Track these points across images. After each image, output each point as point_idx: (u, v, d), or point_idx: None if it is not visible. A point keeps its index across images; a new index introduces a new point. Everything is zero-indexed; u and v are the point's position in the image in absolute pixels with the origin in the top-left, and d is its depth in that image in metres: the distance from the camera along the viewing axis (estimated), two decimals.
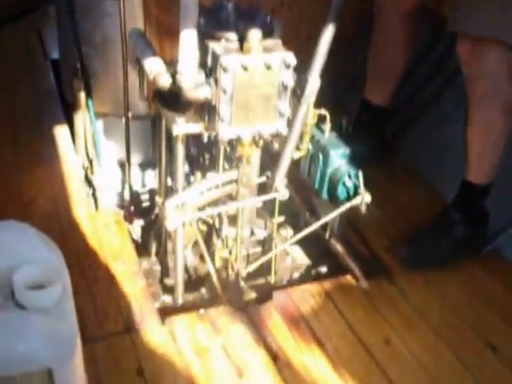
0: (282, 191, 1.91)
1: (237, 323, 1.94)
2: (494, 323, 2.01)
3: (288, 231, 2.23)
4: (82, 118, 2.42)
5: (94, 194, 2.39)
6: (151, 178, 2.53)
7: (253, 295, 2.05)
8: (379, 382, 1.80)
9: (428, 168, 2.59)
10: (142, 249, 2.26)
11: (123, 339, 1.86)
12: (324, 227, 2.30)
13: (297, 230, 2.14)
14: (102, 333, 1.88)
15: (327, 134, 2.10)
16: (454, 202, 2.21)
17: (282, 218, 2.20)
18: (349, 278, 2.16)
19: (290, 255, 2.30)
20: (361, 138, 2.53)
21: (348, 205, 2.03)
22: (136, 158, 2.48)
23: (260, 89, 1.68)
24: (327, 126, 2.08)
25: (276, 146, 1.93)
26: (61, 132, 2.72)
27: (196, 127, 1.77)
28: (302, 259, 2.35)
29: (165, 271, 2.18)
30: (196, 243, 2.08)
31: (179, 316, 1.96)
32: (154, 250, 2.25)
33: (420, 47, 2.71)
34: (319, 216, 2.21)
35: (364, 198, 1.99)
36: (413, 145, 2.72)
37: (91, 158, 2.45)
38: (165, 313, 1.97)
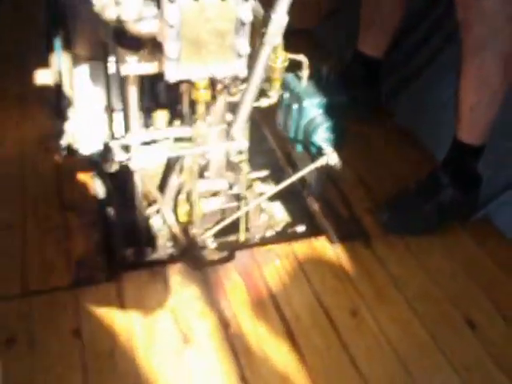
0: (239, 141, 1.72)
1: (191, 284, 1.78)
2: (476, 299, 1.81)
3: (269, 186, 2.05)
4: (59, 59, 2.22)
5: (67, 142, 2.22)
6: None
7: (214, 254, 1.88)
8: (338, 357, 1.63)
9: (424, 130, 2.38)
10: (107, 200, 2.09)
11: (66, 295, 1.72)
12: (304, 184, 2.14)
13: None
14: (45, 287, 1.74)
15: (304, 82, 1.88)
16: (443, 164, 1.99)
17: (265, 173, 2.04)
18: (323, 240, 1.97)
19: (267, 212, 2.12)
20: (350, 90, 2.33)
21: (313, 165, 1.83)
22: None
23: (213, 23, 1.47)
24: (304, 72, 1.87)
25: None
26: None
27: (148, 67, 1.57)
28: (280, 217, 2.16)
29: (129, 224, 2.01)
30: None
31: (131, 273, 1.80)
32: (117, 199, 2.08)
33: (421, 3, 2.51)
34: (298, 171, 2.02)
35: (329, 158, 1.78)
36: (409, 105, 2.50)
37: (69, 101, 2.27)
38: (116, 269, 1.81)
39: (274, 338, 1.66)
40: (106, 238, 1.91)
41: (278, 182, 2.08)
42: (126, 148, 1.66)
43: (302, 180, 2.10)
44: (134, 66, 1.55)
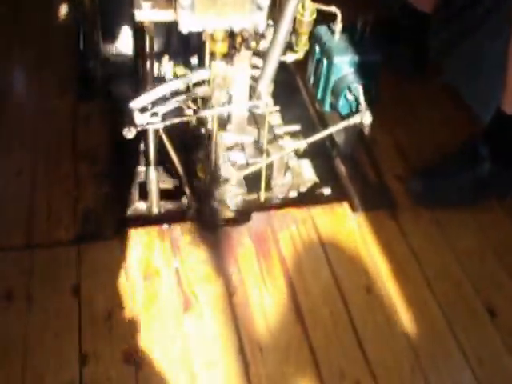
0: (264, 99, 1.58)
1: (200, 246, 1.70)
2: (502, 285, 1.68)
3: (300, 143, 1.94)
4: None
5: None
6: None
7: (228, 214, 1.78)
8: (344, 336, 1.54)
9: (472, 92, 2.17)
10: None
11: (69, 251, 1.66)
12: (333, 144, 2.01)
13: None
14: (49, 240, 1.69)
15: (336, 36, 1.72)
16: (484, 134, 1.82)
17: (295, 127, 1.92)
18: (345, 206, 1.85)
19: (293, 170, 1.99)
20: (392, 45, 2.16)
21: (345, 123, 1.68)
22: None
23: None
24: (337, 26, 1.70)
25: None
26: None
27: (163, 15, 1.45)
28: (307, 176, 2.03)
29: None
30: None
31: (139, 229, 1.73)
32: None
33: None
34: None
35: (364, 117, 1.63)
36: (458, 64, 2.28)
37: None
38: (124, 224, 1.74)
39: (280, 310, 1.58)
40: (117, 191, 1.83)
41: (308, 138, 1.98)
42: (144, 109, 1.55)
43: (332, 139, 1.97)
44: (148, 12, 1.43)
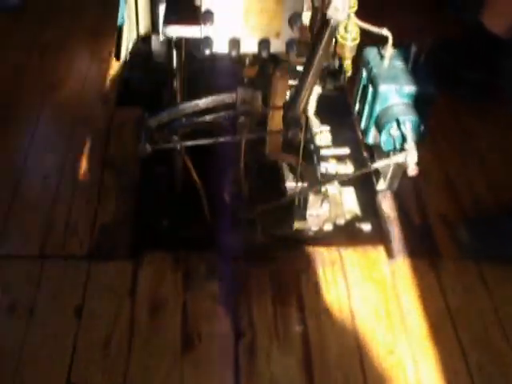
0: (294, 131, 1.43)
1: (214, 279, 1.57)
2: None
3: (345, 167, 1.79)
4: None
5: None
6: None
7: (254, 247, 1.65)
8: None
9: None
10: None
11: (79, 266, 1.59)
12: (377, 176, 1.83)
13: None
14: (61, 252, 1.62)
15: (386, 62, 1.54)
16: None
17: (345, 151, 1.80)
18: (380, 250, 1.68)
19: (332, 199, 1.84)
20: (462, 69, 1.96)
21: (386, 161, 1.51)
22: None
23: None
24: (388, 50, 1.53)
25: None
26: None
27: (191, 30, 1.33)
28: (348, 207, 1.86)
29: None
30: None
31: (154, 253, 1.62)
32: None
33: None
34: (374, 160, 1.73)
35: (409, 157, 1.46)
36: None
37: None
38: (140, 246, 1.64)
39: (289, 364, 1.43)
40: (140, 208, 1.73)
41: (356, 164, 1.82)
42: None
43: (376, 170, 1.79)
44: (175, 27, 1.32)
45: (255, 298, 1.54)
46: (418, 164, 1.54)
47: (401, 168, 1.73)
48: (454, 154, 1.92)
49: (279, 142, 1.68)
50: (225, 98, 1.42)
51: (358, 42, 1.39)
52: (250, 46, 1.26)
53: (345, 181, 1.82)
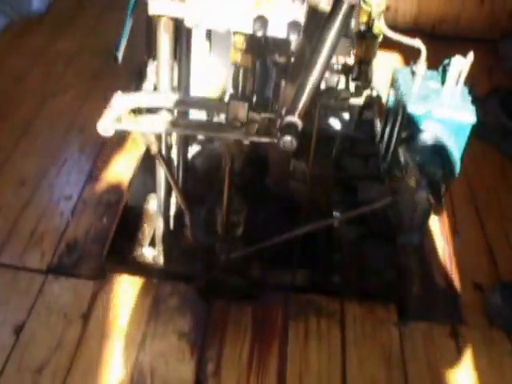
0: (287, 139, 1.17)
1: (185, 314, 1.31)
2: None
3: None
4: None
5: None
6: None
7: (238, 283, 1.38)
8: None
9: None
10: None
11: (32, 281, 1.36)
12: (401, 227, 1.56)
13: None
14: (16, 263, 1.39)
15: (418, 80, 1.30)
16: None
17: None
18: (391, 309, 1.38)
19: None
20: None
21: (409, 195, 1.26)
22: None
23: None
24: (420, 67, 1.29)
25: None
26: None
27: (179, 8, 1.13)
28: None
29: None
30: None
31: (123, 276, 1.38)
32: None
33: None
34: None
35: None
36: None
37: None
38: (109, 266, 1.40)
39: None
40: (118, 227, 1.50)
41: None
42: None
43: (400, 219, 1.53)
44: (162, 4, 1.12)
45: (229, 340, 1.26)
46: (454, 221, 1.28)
47: (426, 217, 1.48)
48: (496, 213, 1.63)
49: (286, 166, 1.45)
50: (216, 106, 1.18)
51: (380, 39, 1.16)
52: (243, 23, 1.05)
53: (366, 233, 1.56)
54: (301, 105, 1.11)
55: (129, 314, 1.29)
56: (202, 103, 1.21)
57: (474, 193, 1.69)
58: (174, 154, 1.40)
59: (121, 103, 1.12)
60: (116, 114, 1.09)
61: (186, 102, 1.20)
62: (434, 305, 1.40)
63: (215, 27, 1.06)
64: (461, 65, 1.28)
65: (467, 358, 1.28)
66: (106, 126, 1.07)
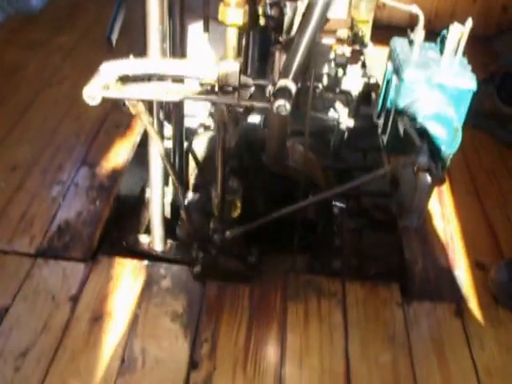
0: (280, 103, 1.10)
1: (179, 295, 1.24)
2: None
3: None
4: None
5: None
6: None
7: (234, 266, 1.31)
8: None
9: None
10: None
11: (20, 264, 1.29)
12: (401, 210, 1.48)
13: None
14: (4, 246, 1.31)
15: (416, 48, 1.23)
16: None
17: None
18: (394, 288, 1.31)
19: None
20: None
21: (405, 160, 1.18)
22: None
23: None
24: (418, 34, 1.23)
25: None
26: None
27: None
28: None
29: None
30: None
31: (114, 258, 1.32)
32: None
33: None
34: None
35: (432, 169, 1.13)
36: None
37: None
38: (100, 248, 1.33)
39: None
40: (111, 212, 1.43)
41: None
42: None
43: (400, 204, 1.45)
44: None
45: (225, 321, 1.19)
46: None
47: (427, 198, 1.40)
48: (496, 196, 1.56)
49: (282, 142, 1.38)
50: (205, 73, 1.11)
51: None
52: None
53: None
54: (294, 68, 1.05)
55: (120, 296, 1.22)
56: (192, 68, 1.14)
57: (473, 177, 1.63)
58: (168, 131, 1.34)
59: (108, 70, 1.05)
60: (104, 81, 1.02)
61: (174, 68, 1.14)
62: (438, 284, 1.32)
63: None
64: (459, 32, 1.22)
65: (473, 337, 1.20)
66: (93, 93, 1.01)
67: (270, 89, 1.08)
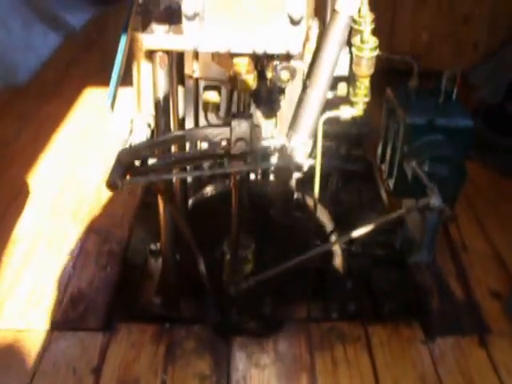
0: (298, 159, 1.08)
1: (204, 356, 1.18)
2: None
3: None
4: None
5: None
6: None
7: (251, 323, 1.26)
8: None
9: None
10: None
11: (37, 338, 1.21)
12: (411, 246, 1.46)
13: None
14: (18, 322, 1.24)
15: (412, 94, 1.24)
16: None
17: None
18: (416, 327, 1.26)
19: None
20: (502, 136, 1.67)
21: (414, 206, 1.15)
22: None
23: None
24: (413, 81, 1.23)
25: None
26: None
27: (175, 40, 1.05)
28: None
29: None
30: None
31: (131, 325, 1.24)
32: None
33: None
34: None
35: (444, 210, 1.11)
36: None
37: None
38: (115, 315, 1.26)
39: None
40: (125, 275, 1.38)
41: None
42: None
43: (409, 241, 1.43)
44: (157, 37, 1.04)
45: (254, 375, 1.13)
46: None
47: (436, 233, 1.38)
48: (502, 225, 1.54)
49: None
50: (218, 132, 1.08)
51: (376, 53, 1.08)
52: (240, 43, 0.97)
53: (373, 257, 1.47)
54: (309, 124, 1.04)
55: (143, 363, 1.15)
56: (203, 132, 1.11)
57: (472, 205, 1.62)
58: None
59: (126, 156, 1.02)
60: (123, 167, 0.99)
61: (187, 137, 1.11)
62: (457, 317, 1.28)
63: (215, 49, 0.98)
64: (453, 76, 1.23)
65: (500, 365, 1.16)
66: (115, 183, 0.97)
67: (285, 145, 1.06)
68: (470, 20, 2.34)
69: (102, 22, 2.78)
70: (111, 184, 0.99)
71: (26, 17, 2.55)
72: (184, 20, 0.96)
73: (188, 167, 1.34)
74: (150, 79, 1.25)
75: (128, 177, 1.02)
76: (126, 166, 1.03)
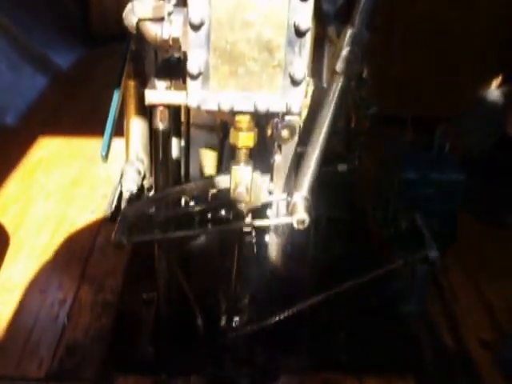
0: (300, 215, 1.11)
1: None
2: None
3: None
4: None
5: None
6: None
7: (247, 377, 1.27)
8: None
9: None
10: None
11: None
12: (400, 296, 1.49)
13: None
14: (13, 373, 1.23)
15: (405, 147, 1.29)
16: None
17: None
18: (409, 380, 1.28)
19: None
20: (490, 185, 1.72)
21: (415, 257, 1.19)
22: None
23: (256, 29, 0.97)
24: (407, 134, 1.29)
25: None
26: None
27: (177, 96, 1.09)
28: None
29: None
30: None
31: (128, 377, 1.24)
32: None
33: None
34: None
35: (430, 253, 1.15)
36: None
37: None
38: (113, 367, 1.27)
39: None
40: (119, 326, 1.38)
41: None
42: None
43: (400, 292, 1.46)
44: (159, 93, 1.08)
45: None
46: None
47: (426, 283, 1.42)
48: (489, 274, 1.59)
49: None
50: (217, 181, 1.13)
51: (374, 110, 1.14)
52: (243, 102, 1.01)
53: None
54: (308, 180, 1.08)
55: None
56: (204, 184, 1.15)
57: (462, 255, 1.65)
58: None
59: (130, 213, 1.05)
60: (127, 225, 1.02)
61: (187, 191, 1.14)
62: (450, 368, 1.31)
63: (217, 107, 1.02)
64: (445, 132, 1.29)
65: None
66: (121, 241, 0.99)
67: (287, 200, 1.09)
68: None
69: (89, 63, 2.84)
70: (117, 243, 1.02)
71: (13, 58, 2.59)
72: (188, 79, 1.00)
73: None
74: (140, 126, 1.31)
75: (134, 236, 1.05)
76: (131, 223, 1.06)
